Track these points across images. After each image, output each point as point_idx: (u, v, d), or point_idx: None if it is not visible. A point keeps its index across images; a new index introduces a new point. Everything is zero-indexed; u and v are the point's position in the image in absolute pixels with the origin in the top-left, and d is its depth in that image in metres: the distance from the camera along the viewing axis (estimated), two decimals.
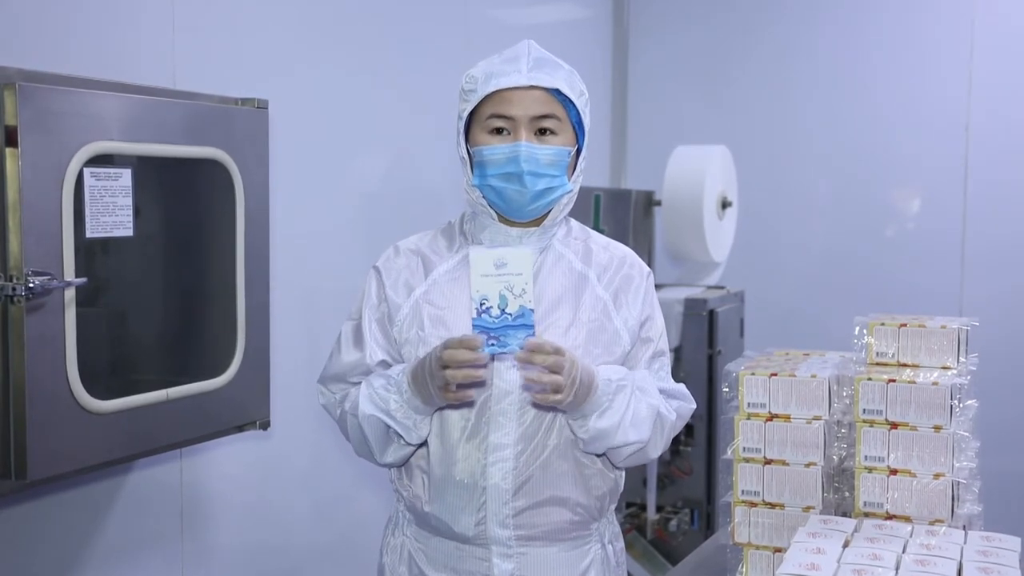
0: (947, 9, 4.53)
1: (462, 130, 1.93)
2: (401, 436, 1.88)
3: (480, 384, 1.85)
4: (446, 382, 1.76)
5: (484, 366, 1.78)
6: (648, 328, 2.02)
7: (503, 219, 1.94)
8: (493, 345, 1.74)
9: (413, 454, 1.97)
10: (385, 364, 1.96)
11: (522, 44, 1.94)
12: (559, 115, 1.90)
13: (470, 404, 1.88)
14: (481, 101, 1.89)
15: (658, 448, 1.96)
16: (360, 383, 1.96)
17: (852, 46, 4.69)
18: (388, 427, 1.88)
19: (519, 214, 1.92)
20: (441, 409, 1.90)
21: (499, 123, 1.88)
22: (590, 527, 1.99)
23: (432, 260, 1.98)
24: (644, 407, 1.90)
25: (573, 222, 2.07)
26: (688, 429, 4.01)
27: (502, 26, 4.04)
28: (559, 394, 1.76)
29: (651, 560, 3.98)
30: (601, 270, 1.99)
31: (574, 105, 1.91)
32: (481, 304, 1.73)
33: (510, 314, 1.73)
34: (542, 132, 1.89)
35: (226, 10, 2.73)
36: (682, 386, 2.06)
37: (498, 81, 1.87)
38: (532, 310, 1.74)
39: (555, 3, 4.64)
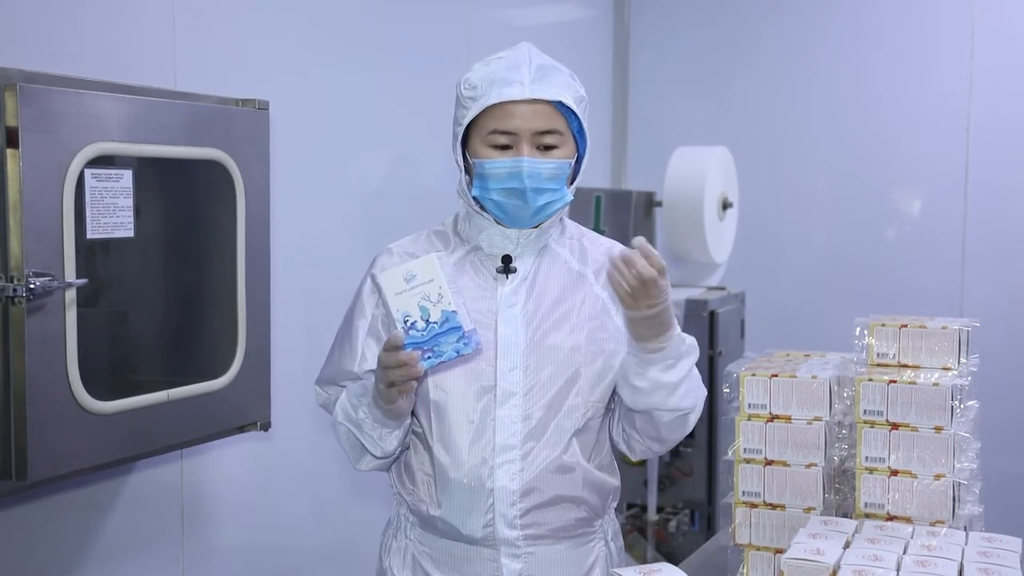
0: (947, 9, 4.52)
1: (460, 136, 1.91)
2: (366, 448, 1.88)
3: (415, 376, 1.76)
4: (390, 382, 1.74)
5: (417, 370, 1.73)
6: None
7: (499, 221, 1.94)
8: (429, 358, 1.72)
9: (391, 464, 1.97)
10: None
11: (522, 50, 1.90)
12: (561, 129, 1.88)
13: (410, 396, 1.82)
14: (481, 111, 1.86)
15: (693, 421, 1.96)
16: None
17: (852, 46, 4.69)
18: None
19: (518, 224, 1.92)
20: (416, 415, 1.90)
21: (502, 139, 1.86)
22: (594, 524, 1.99)
23: None
24: (697, 376, 1.91)
25: (568, 221, 2.07)
26: None
27: (502, 26, 4.03)
28: (659, 297, 1.72)
29: (651, 561, 3.98)
30: (598, 268, 1.99)
31: (575, 113, 1.89)
32: (405, 321, 1.72)
33: (435, 323, 1.72)
34: (544, 146, 1.87)
35: (227, 10, 2.73)
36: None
37: (500, 92, 1.84)
38: (455, 311, 1.72)
39: (555, 3, 4.64)
